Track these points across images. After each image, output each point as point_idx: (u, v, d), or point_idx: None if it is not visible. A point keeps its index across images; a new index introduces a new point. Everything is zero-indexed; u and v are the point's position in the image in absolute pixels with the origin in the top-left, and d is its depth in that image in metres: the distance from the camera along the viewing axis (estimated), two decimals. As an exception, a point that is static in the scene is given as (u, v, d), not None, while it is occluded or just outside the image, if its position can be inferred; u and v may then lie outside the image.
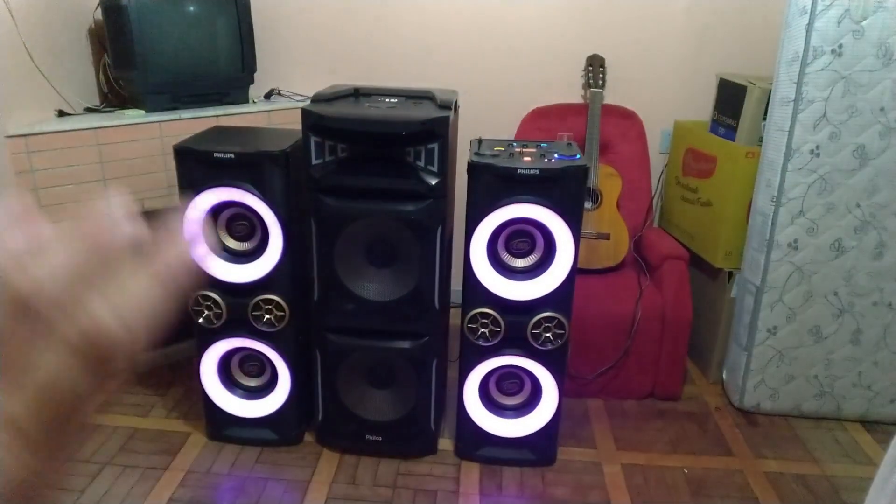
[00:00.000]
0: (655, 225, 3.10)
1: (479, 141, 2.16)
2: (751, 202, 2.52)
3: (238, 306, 2.13)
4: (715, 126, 2.75)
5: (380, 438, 2.27)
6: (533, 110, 3.01)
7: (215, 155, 1.95)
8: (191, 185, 2.00)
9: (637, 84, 3.00)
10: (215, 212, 2.08)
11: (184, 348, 2.79)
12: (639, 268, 2.79)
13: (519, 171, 1.90)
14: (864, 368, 2.48)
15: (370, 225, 2.02)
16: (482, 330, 2.07)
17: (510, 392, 2.26)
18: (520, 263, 2.05)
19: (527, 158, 1.98)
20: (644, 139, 2.96)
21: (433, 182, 1.94)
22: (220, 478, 2.18)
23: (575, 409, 2.61)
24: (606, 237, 2.77)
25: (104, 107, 2.69)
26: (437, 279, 2.05)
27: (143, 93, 2.59)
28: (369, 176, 1.95)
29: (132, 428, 2.43)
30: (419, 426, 2.25)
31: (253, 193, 1.98)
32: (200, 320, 2.15)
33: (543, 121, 2.99)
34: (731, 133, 2.62)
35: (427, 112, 1.92)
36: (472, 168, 1.94)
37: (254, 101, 2.95)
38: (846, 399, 2.53)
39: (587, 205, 2.78)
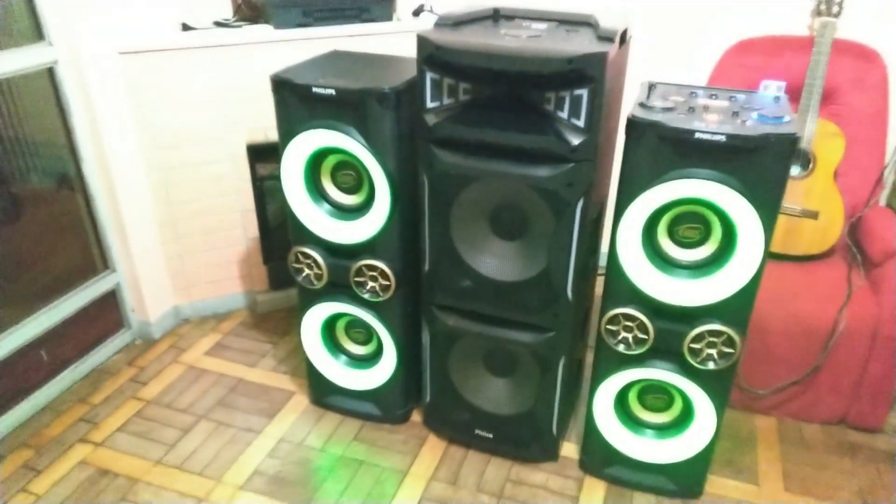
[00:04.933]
0: (883, 204, 2.38)
1: (651, 86, 1.65)
2: None
3: (340, 269, 1.84)
4: None
5: (490, 436, 1.94)
6: (739, 42, 2.37)
7: (314, 90, 1.61)
8: (289, 123, 1.70)
9: (887, 14, 2.24)
10: (320, 156, 1.77)
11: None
12: (852, 260, 2.15)
13: (697, 134, 1.38)
14: None
15: (495, 189, 1.61)
16: (624, 334, 1.62)
17: (654, 408, 1.81)
18: (685, 257, 1.55)
19: (712, 117, 1.45)
20: (885, 88, 2.22)
21: (576, 141, 1.47)
22: (312, 453, 1.98)
23: (738, 426, 2.09)
24: (814, 216, 2.14)
25: (235, 20, 2.46)
26: (572, 265, 1.62)
27: (271, 6, 2.31)
28: (495, 128, 1.53)
29: (237, 378, 2.29)
30: (538, 428, 1.88)
31: (355, 139, 1.64)
32: (300, 279, 1.90)
33: (751, 56, 2.34)
34: None
35: (578, 45, 1.44)
36: (632, 126, 1.45)
37: (398, 20, 2.58)
38: None
39: (794, 171, 2.16)
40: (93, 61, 2.06)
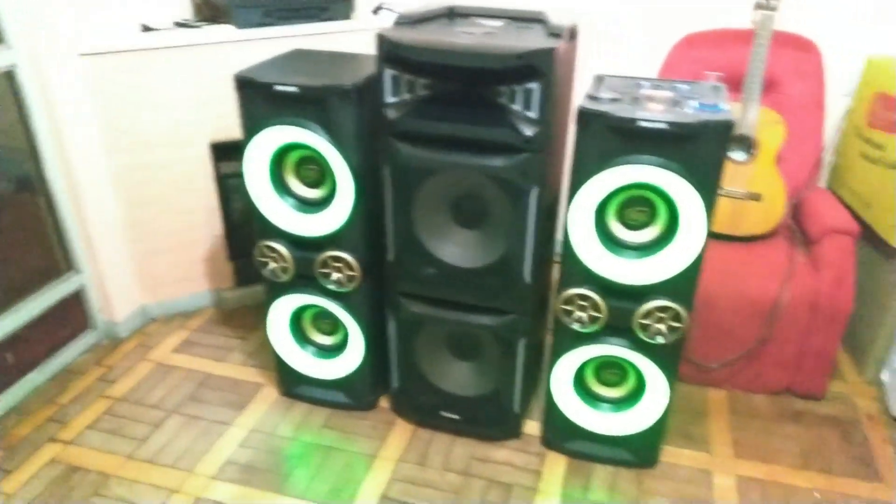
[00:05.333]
0: (823, 185, 2.52)
1: (600, 79, 1.74)
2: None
3: (305, 261, 1.90)
4: (921, 64, 2.11)
5: (457, 417, 2.01)
6: (686, 36, 2.48)
7: (276, 87, 1.67)
8: (253, 120, 1.75)
9: (822, 6, 2.37)
10: (284, 152, 1.82)
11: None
12: (794, 239, 2.28)
13: (639, 122, 1.48)
14: None
15: (455, 179, 1.68)
16: (579, 313, 1.71)
17: (610, 383, 1.90)
18: (633, 238, 1.65)
19: (655, 106, 1.54)
20: (821, 77, 2.36)
21: (529, 132, 1.55)
22: (283, 442, 2.03)
23: (691, 399, 2.21)
24: (757, 198, 2.26)
25: (196, 21, 2.48)
26: (530, 250, 1.70)
27: (232, 5, 2.34)
28: (452, 121, 1.60)
29: (206, 373, 2.33)
30: (502, 407, 1.96)
31: (318, 134, 1.70)
32: (265, 272, 1.94)
33: (698, 50, 2.46)
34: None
35: (529, 41, 1.52)
36: (581, 116, 1.53)
37: (357, 19, 2.63)
38: None
39: (739, 156, 2.28)
40: (53, 63, 2.07)
